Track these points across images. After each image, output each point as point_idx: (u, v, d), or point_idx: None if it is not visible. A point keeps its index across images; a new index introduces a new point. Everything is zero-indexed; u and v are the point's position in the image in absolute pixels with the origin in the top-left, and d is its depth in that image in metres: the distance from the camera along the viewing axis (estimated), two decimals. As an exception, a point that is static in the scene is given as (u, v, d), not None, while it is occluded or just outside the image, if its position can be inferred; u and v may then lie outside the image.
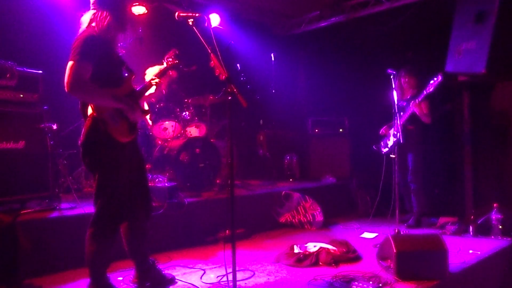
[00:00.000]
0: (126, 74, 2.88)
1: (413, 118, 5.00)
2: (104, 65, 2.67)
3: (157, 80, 3.14)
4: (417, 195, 5.13)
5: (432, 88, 4.65)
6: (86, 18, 2.73)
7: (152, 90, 3.22)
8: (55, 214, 3.72)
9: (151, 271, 3.11)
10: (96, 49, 2.60)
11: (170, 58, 3.33)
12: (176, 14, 2.81)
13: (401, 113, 4.93)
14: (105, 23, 2.66)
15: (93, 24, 2.68)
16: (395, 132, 4.91)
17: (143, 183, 3.02)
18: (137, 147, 3.00)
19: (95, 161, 2.72)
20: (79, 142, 2.74)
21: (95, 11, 2.72)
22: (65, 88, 2.51)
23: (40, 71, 4.04)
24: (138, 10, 5.80)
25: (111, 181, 2.73)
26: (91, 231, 2.76)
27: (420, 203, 5.13)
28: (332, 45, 7.58)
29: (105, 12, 2.68)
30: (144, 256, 3.08)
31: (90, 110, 2.66)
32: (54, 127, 3.98)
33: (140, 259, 3.07)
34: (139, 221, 2.99)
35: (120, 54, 3.01)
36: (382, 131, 5.33)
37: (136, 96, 2.95)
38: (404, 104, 5.08)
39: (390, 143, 5.16)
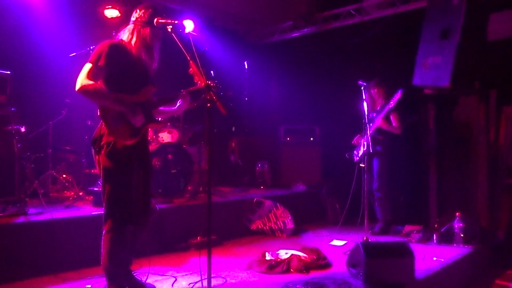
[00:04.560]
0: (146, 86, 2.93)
1: (380, 129, 5.16)
2: (123, 72, 2.79)
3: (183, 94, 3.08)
4: (381, 203, 5.28)
5: (393, 103, 4.88)
6: (124, 31, 2.91)
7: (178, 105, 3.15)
8: (21, 219, 3.61)
9: (128, 276, 3.06)
10: (116, 57, 2.74)
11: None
12: (155, 20, 2.80)
13: (371, 124, 5.07)
14: (133, 37, 2.84)
15: (125, 37, 2.86)
16: (365, 142, 5.05)
17: (147, 191, 2.99)
18: (146, 154, 3.03)
19: (101, 162, 2.80)
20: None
21: (132, 25, 2.88)
22: (75, 86, 2.65)
23: (8, 72, 3.93)
24: (111, 13, 5.74)
25: (115, 182, 2.81)
26: (104, 231, 2.85)
27: (384, 211, 5.28)
28: (304, 55, 7.70)
29: (138, 28, 2.85)
30: (127, 261, 3.06)
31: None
32: (22, 129, 3.87)
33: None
34: (138, 227, 3.00)
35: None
36: (354, 141, 5.44)
37: (150, 106, 2.96)
38: (374, 115, 5.22)
39: (361, 152, 5.29)
